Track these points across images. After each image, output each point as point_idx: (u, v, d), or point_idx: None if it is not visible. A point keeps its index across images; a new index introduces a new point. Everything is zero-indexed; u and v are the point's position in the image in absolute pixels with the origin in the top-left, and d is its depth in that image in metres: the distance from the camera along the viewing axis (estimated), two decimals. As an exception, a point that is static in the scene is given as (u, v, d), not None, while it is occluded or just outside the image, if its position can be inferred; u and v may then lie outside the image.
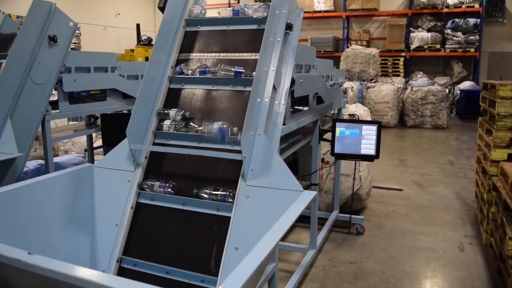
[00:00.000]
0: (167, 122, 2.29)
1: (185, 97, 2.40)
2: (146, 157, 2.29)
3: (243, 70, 2.27)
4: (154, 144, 2.31)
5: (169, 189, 2.17)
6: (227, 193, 2.04)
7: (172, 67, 2.45)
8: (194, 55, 2.49)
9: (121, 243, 2.14)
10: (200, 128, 2.22)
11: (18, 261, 1.27)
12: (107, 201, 2.21)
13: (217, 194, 2.06)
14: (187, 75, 2.41)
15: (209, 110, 2.31)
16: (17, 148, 2.81)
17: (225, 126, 2.13)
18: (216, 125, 2.14)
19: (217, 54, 2.45)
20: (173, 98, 2.41)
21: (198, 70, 2.39)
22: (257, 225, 1.88)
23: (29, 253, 1.29)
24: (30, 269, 1.26)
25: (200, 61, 2.46)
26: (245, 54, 2.38)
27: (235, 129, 2.15)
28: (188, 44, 2.52)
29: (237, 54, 2.40)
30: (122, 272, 2.14)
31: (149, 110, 2.34)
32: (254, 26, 2.41)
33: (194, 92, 2.39)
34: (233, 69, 2.28)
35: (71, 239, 2.10)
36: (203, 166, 2.19)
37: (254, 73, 2.16)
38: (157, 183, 2.18)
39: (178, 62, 2.48)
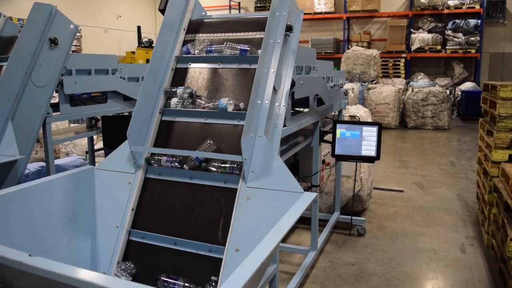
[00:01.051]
0: (174, 100, 2.36)
1: (192, 76, 2.46)
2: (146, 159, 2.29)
3: (248, 48, 2.33)
4: (162, 122, 2.37)
5: (176, 163, 2.20)
6: (235, 165, 2.07)
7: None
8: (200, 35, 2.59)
9: (122, 245, 2.14)
10: (207, 104, 2.28)
11: (19, 263, 1.28)
12: (108, 203, 2.22)
13: (225, 167, 2.11)
14: (194, 54, 2.49)
15: (215, 87, 2.37)
16: (18, 150, 2.82)
17: (231, 101, 2.20)
18: (223, 101, 2.21)
19: (223, 34, 2.54)
20: (180, 77, 2.48)
21: (204, 49, 2.45)
22: (258, 226, 1.89)
23: (30, 255, 1.29)
24: (31, 271, 1.26)
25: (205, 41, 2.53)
26: (250, 33, 2.47)
27: (241, 104, 2.23)
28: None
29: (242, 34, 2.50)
30: (130, 244, 2.17)
31: (150, 111, 2.35)
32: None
33: (200, 71, 2.44)
34: (238, 47, 2.34)
35: (72, 241, 2.10)
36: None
37: (259, 50, 2.23)
38: (164, 158, 2.24)
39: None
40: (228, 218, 2.01)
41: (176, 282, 1.98)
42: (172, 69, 2.48)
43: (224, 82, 2.37)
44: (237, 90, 2.32)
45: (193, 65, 2.48)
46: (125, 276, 2.08)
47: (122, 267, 2.11)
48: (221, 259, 1.95)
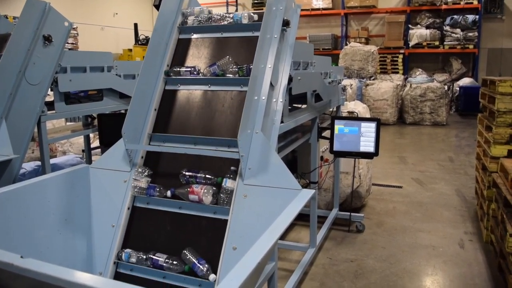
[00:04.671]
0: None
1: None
2: (142, 157, 2.26)
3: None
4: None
5: (195, 73, 2.34)
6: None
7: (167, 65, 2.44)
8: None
9: (118, 245, 2.11)
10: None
11: (10, 265, 1.25)
12: (104, 202, 2.19)
13: (242, 68, 2.24)
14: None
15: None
16: (13, 149, 2.78)
17: (246, 14, 2.36)
18: (238, 14, 2.39)
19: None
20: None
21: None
22: (255, 224, 1.86)
23: (21, 257, 1.26)
24: (23, 273, 1.23)
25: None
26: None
27: (255, 16, 2.38)
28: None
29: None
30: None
31: (146, 108, 2.32)
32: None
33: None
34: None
35: (67, 241, 2.07)
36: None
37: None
38: (183, 69, 2.36)
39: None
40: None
41: (197, 174, 2.06)
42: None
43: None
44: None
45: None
46: (144, 180, 2.13)
47: (139, 170, 2.16)
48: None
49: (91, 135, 5.02)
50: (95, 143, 5.39)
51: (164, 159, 2.26)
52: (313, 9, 13.88)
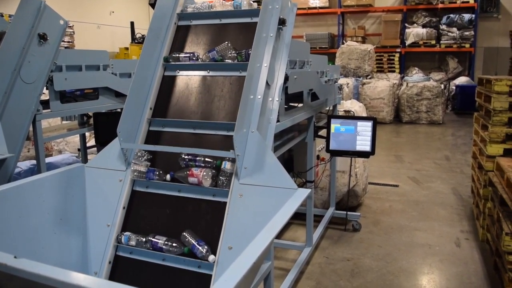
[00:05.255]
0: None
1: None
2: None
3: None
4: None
5: (194, 59, 2.35)
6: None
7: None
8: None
9: (113, 244, 2.10)
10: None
11: (3, 265, 1.24)
12: (99, 201, 2.18)
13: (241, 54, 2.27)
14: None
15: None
16: (7, 148, 2.76)
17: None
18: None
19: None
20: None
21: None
22: (251, 224, 1.86)
23: (15, 257, 1.25)
24: (17, 274, 1.22)
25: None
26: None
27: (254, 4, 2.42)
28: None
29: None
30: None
31: (141, 107, 2.31)
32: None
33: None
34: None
35: (62, 240, 2.06)
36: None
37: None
38: (182, 55, 2.38)
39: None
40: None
41: (196, 158, 2.07)
42: (162, 67, 2.43)
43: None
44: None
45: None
46: (144, 164, 2.15)
47: (139, 154, 2.17)
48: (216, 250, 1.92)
49: (87, 134, 4.99)
50: (91, 142, 5.36)
51: (163, 144, 2.27)
52: (309, 8, 13.86)
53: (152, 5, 2.80)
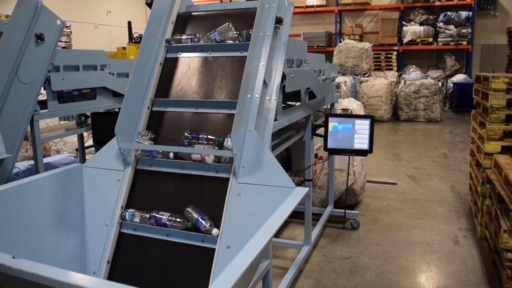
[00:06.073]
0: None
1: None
2: (135, 156, 2.25)
3: None
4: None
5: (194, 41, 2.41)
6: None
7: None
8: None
9: (112, 244, 2.10)
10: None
11: (2, 265, 1.23)
12: (97, 201, 2.18)
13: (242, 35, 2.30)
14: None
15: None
16: (5, 149, 2.75)
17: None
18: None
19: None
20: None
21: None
22: (249, 223, 1.86)
23: (13, 257, 1.25)
24: (15, 274, 1.22)
25: None
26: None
27: None
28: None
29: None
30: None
31: (139, 106, 2.31)
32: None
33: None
34: None
35: (60, 240, 2.06)
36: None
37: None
38: (184, 36, 2.42)
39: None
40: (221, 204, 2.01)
41: (199, 135, 2.11)
42: (161, 64, 2.43)
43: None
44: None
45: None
46: (147, 142, 2.18)
47: (142, 133, 2.20)
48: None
49: (85, 134, 4.99)
50: (89, 141, 5.36)
51: (166, 124, 2.30)
52: (307, 6, 13.86)
53: (149, 5, 2.80)
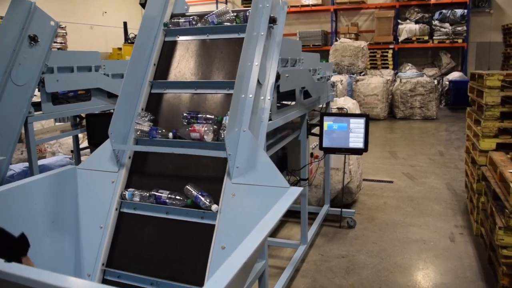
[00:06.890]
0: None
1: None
2: (130, 157, 2.24)
3: None
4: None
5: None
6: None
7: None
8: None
9: (106, 246, 2.09)
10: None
11: (-7, 269, 1.23)
12: (91, 203, 2.17)
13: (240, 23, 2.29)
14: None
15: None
16: (0, 151, 2.75)
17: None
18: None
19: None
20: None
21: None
22: (244, 223, 1.86)
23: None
24: (7, 278, 1.21)
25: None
26: None
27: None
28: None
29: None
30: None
31: (133, 107, 2.30)
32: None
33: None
34: None
35: (54, 243, 2.05)
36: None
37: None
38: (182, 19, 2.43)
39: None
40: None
41: (198, 115, 2.12)
42: (154, 65, 2.42)
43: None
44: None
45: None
46: (146, 124, 2.20)
47: (142, 114, 2.23)
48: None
49: (80, 135, 4.97)
50: (84, 143, 5.34)
51: (165, 105, 2.32)
52: (302, 6, 13.85)
53: (143, 5, 2.79)
